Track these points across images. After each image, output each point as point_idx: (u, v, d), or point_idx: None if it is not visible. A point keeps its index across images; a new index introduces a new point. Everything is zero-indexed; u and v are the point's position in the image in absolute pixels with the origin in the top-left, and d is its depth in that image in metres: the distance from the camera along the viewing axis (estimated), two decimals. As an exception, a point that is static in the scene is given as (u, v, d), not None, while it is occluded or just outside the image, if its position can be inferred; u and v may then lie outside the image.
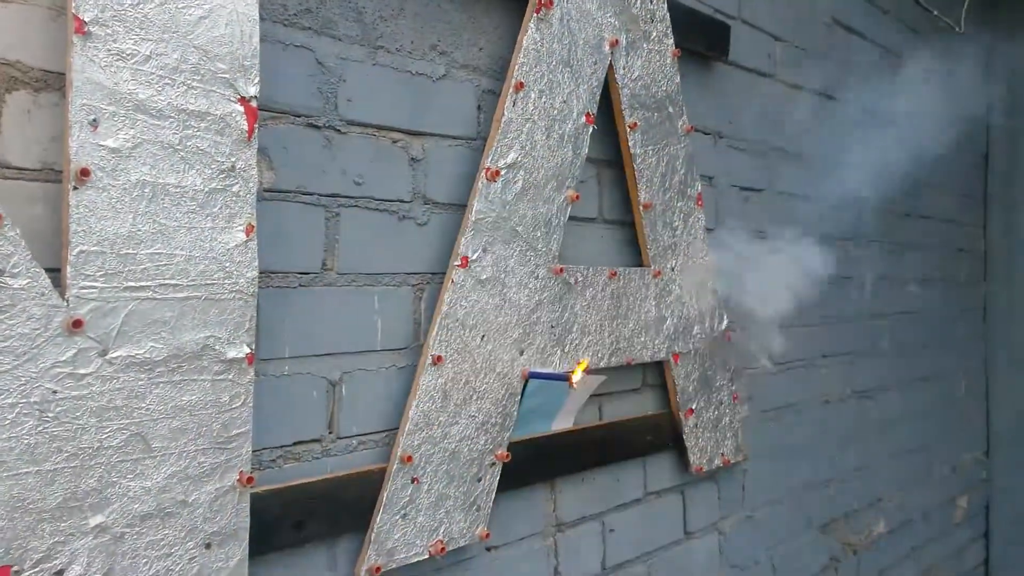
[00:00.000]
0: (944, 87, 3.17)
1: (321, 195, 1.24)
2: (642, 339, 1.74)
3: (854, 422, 2.74)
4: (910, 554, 3.07)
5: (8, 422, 0.89)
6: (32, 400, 0.91)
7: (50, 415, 0.92)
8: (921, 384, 3.17)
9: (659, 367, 1.86)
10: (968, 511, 3.53)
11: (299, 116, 1.21)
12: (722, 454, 2.00)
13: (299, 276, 1.21)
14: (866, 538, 2.78)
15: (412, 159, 1.36)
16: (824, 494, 2.56)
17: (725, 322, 1.97)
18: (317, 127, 1.23)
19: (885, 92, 2.84)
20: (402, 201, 1.35)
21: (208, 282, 1.04)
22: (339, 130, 1.26)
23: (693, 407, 1.90)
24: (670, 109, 1.80)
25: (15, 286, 0.89)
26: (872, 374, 2.84)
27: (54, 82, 0.96)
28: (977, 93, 3.53)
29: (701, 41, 1.95)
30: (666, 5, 1.76)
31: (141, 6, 0.96)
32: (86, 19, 0.92)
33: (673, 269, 1.82)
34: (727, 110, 2.10)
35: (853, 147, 2.63)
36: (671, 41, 1.78)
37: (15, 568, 0.91)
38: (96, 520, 0.96)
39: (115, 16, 0.95)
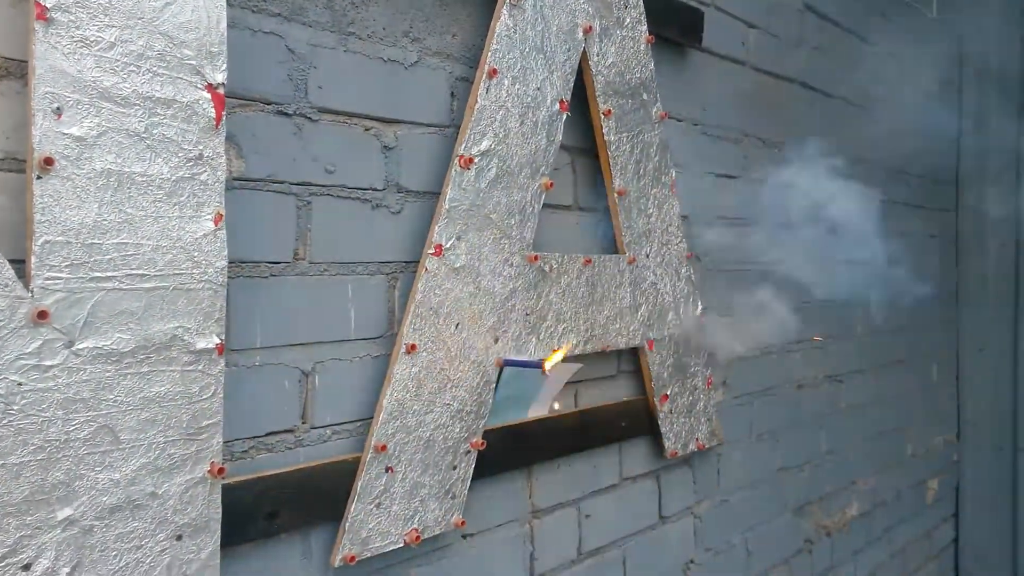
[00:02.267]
0: (916, 71, 3.20)
1: (292, 183, 1.23)
2: (617, 326, 1.74)
3: (827, 406, 2.77)
4: (882, 535, 3.12)
5: (-28, 415, 0.88)
6: (-3, 393, 0.90)
7: (15, 408, 0.91)
8: (893, 369, 3.21)
9: (634, 353, 1.87)
10: (938, 493, 3.59)
11: (269, 103, 1.19)
12: (697, 439, 2.01)
13: (270, 266, 1.20)
14: (839, 521, 2.82)
15: (385, 147, 1.35)
16: (798, 478, 2.59)
17: (700, 309, 1.98)
18: (287, 115, 1.22)
19: (858, 78, 2.86)
20: (375, 189, 1.34)
21: (176, 272, 1.03)
22: (310, 118, 1.25)
23: (668, 393, 1.91)
24: (644, 96, 1.80)
25: (-23, 277, 0.88)
26: (845, 359, 2.87)
27: (16, 70, 0.94)
28: (949, 77, 3.57)
29: (675, 28, 1.95)
30: (640, -9, 1.75)
31: (104, -9, 0.95)
32: (48, 5, 0.90)
33: (648, 256, 1.83)
34: (701, 97, 2.10)
35: (826, 134, 2.64)
36: (645, 28, 1.78)
37: (-18, 562, 0.90)
38: (64, 513, 0.95)
39: (78, 2, 0.93)
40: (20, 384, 0.91)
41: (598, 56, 1.67)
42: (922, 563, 3.46)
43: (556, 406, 1.67)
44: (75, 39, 0.93)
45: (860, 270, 2.92)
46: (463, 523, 1.44)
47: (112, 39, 0.96)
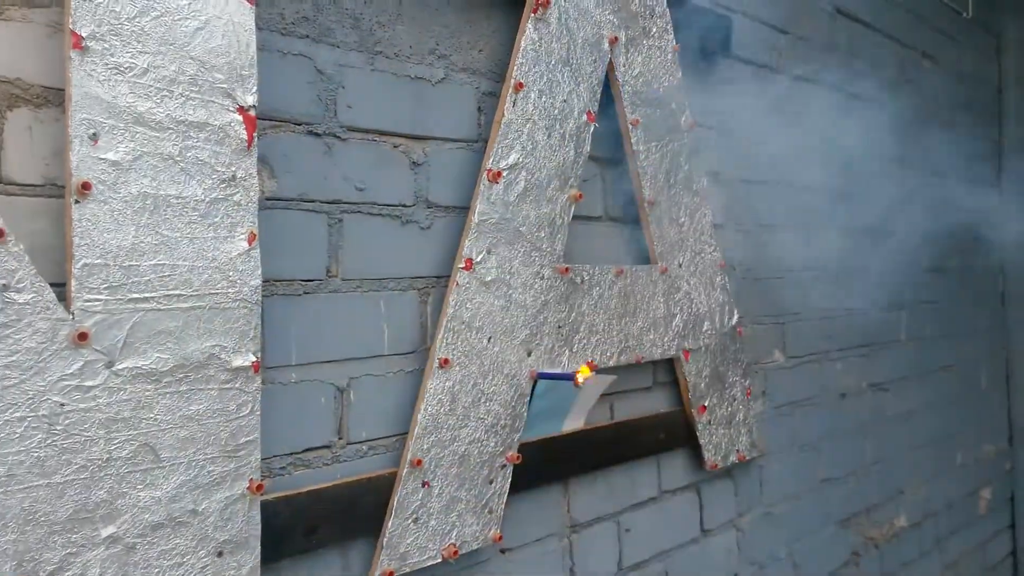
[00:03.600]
0: (953, 73, 3.14)
1: (323, 202, 1.24)
2: (651, 336, 1.73)
3: (872, 415, 2.71)
4: (934, 547, 3.04)
5: (17, 436, 0.90)
6: (40, 413, 0.92)
7: (58, 428, 0.93)
8: (941, 375, 3.14)
9: (670, 364, 1.85)
10: (992, 503, 3.49)
11: (299, 124, 1.21)
12: (737, 450, 1.98)
13: (304, 283, 1.22)
14: (888, 532, 2.75)
15: (413, 163, 1.37)
16: (843, 488, 2.53)
17: (736, 317, 1.96)
18: (317, 134, 1.24)
19: (892, 80, 2.82)
20: (404, 205, 1.35)
21: (212, 291, 1.05)
22: (340, 136, 1.26)
23: (706, 404, 1.89)
24: (672, 105, 1.79)
25: (20, 301, 0.90)
26: (889, 366, 2.81)
27: (54, 98, 0.97)
28: (988, 78, 3.50)
29: (703, 36, 1.94)
30: (665, 1, 1.75)
31: (137, 19, 0.97)
32: (83, 34, 0.93)
33: (680, 265, 1.81)
34: (731, 104, 2.09)
35: (862, 137, 2.61)
36: (671, 37, 1.78)
37: (29, 580, 0.91)
38: (107, 531, 0.97)
39: (112, 30, 0.95)
40: (63, 405, 0.94)
41: (625, 66, 1.67)
42: None
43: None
44: (109, 66, 0.96)
45: (901, 274, 2.87)
46: (501, 538, 1.43)
47: (145, 65, 0.98)
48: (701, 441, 1.88)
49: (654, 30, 1.73)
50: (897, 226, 2.84)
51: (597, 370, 1.57)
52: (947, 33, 3.18)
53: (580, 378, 1.48)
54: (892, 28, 2.82)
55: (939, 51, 3.12)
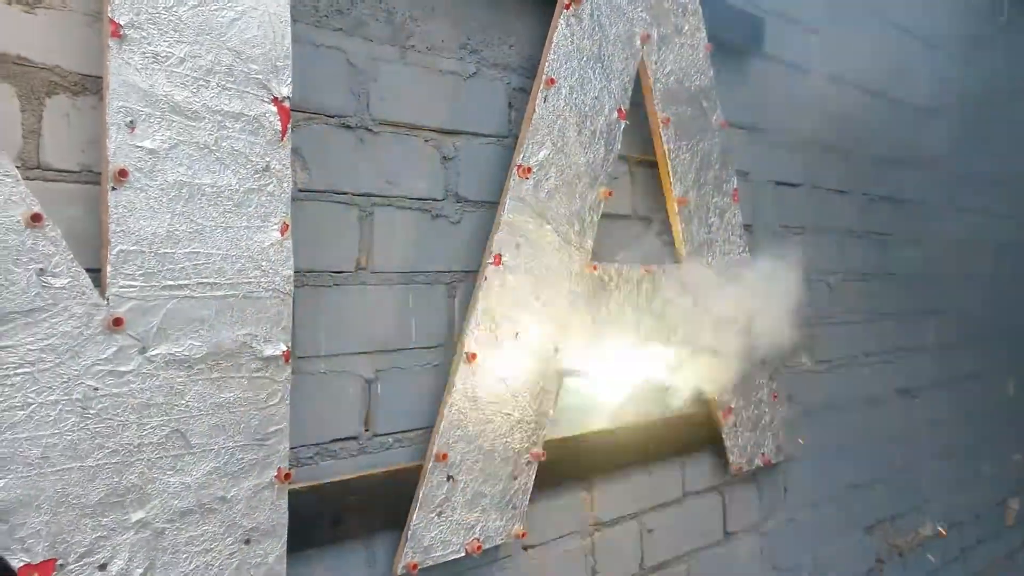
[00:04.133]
0: (989, 77, 3.09)
1: (355, 194, 1.25)
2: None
3: (898, 421, 2.68)
4: (959, 556, 2.99)
5: (51, 419, 0.91)
6: (74, 397, 0.93)
7: (92, 412, 0.94)
8: (968, 383, 3.09)
9: (696, 365, 1.84)
10: (1020, 513, 3.43)
11: (332, 116, 1.22)
12: (762, 454, 1.96)
13: (334, 275, 1.22)
14: (912, 540, 2.71)
15: (444, 157, 1.37)
16: (869, 495, 2.50)
17: (763, 317, 1.94)
18: (350, 127, 1.24)
19: (926, 83, 2.78)
20: (435, 199, 1.35)
21: (245, 280, 1.05)
22: (371, 130, 1.27)
23: (732, 406, 1.87)
24: (704, 103, 1.78)
25: (56, 285, 0.91)
26: (916, 372, 2.78)
27: (91, 86, 0.98)
28: (1022, 81, 3.44)
29: (735, 34, 1.93)
30: (698, -1, 1.74)
31: (175, 9, 0.98)
32: (122, 23, 0.94)
33: (709, 265, 1.80)
34: (763, 104, 2.07)
35: (894, 140, 2.58)
36: (704, 35, 1.76)
37: (60, 561, 0.93)
38: (137, 515, 0.98)
39: (150, 19, 0.96)
40: (96, 389, 0.94)
41: (656, 64, 1.66)
42: (1004, 587, 3.31)
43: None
44: (147, 55, 0.97)
45: (932, 280, 2.83)
46: (524, 534, 1.43)
47: (182, 54, 0.99)
48: (726, 444, 1.87)
49: (686, 28, 1.72)
50: (927, 231, 2.80)
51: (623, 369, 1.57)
52: (984, 36, 3.13)
53: (608, 376, 1.48)
54: (926, 31, 2.78)
55: (975, 54, 3.07)
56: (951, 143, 2.89)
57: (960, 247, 3.02)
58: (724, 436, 1.86)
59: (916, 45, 2.73)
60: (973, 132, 3.04)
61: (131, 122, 0.95)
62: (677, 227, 1.75)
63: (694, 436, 1.83)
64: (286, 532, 1.11)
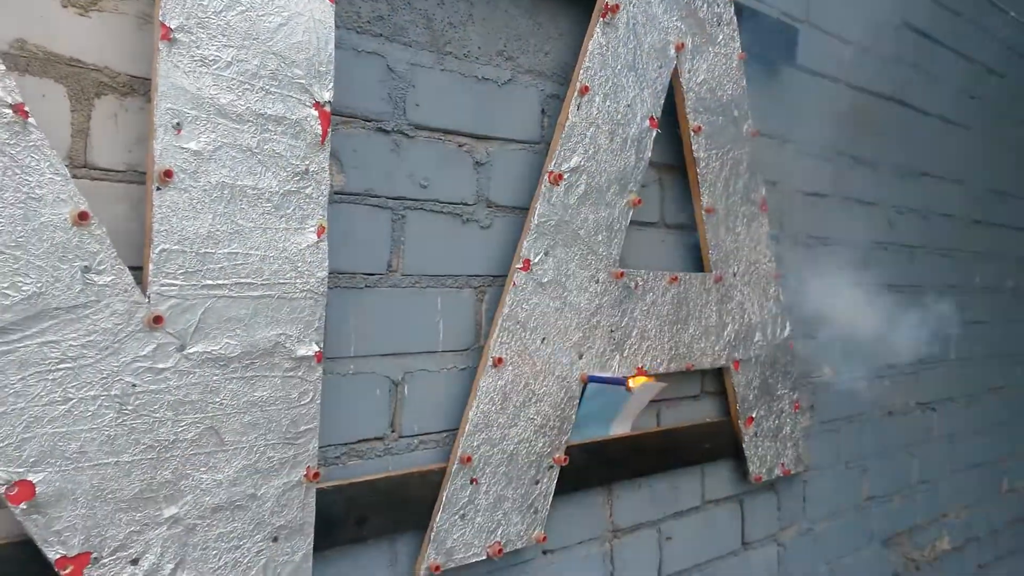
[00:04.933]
0: (1020, 89, 3.06)
1: (388, 198, 1.26)
2: (702, 345, 1.72)
3: (918, 434, 2.66)
4: (976, 573, 2.97)
5: (90, 414, 0.93)
6: (113, 393, 0.95)
7: (129, 408, 0.96)
8: (989, 396, 3.07)
9: (719, 374, 1.84)
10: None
11: (369, 120, 1.23)
12: (782, 464, 1.96)
13: (365, 277, 1.24)
14: (930, 554, 2.70)
15: (476, 163, 1.38)
16: (887, 507, 2.49)
17: (787, 330, 1.94)
18: (386, 131, 1.25)
19: (957, 95, 2.76)
20: (466, 204, 1.36)
21: (281, 281, 1.07)
22: (407, 134, 1.28)
23: (753, 415, 1.87)
24: (735, 113, 1.78)
25: (100, 282, 0.93)
26: (937, 385, 2.76)
27: (140, 87, 1.00)
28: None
29: (768, 44, 1.92)
30: (733, 8, 1.74)
31: (224, 14, 1.00)
32: (172, 26, 0.96)
33: (735, 275, 1.80)
34: (793, 114, 2.06)
35: (923, 153, 2.56)
36: (737, 44, 1.76)
37: (94, 555, 0.94)
38: (170, 511, 1.00)
39: (199, 23, 0.98)
40: (134, 385, 0.96)
41: (689, 73, 1.66)
42: (1020, 604, 3.28)
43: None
44: (195, 58, 0.98)
45: (954, 292, 2.81)
46: (545, 539, 1.44)
47: (229, 58, 1.00)
48: (747, 453, 1.87)
49: (720, 37, 1.72)
50: (953, 244, 2.78)
51: (647, 376, 1.57)
52: (1015, 49, 3.10)
53: (631, 383, 1.48)
54: (959, 43, 2.76)
55: (1006, 67, 3.04)
56: (979, 156, 2.87)
57: (985, 259, 3.00)
58: (744, 445, 1.86)
59: (948, 57, 2.71)
60: (1000, 145, 3.02)
61: (178, 124, 0.97)
62: (704, 236, 1.75)
63: (714, 444, 1.83)
64: (313, 531, 1.12)
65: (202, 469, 1.02)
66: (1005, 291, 3.15)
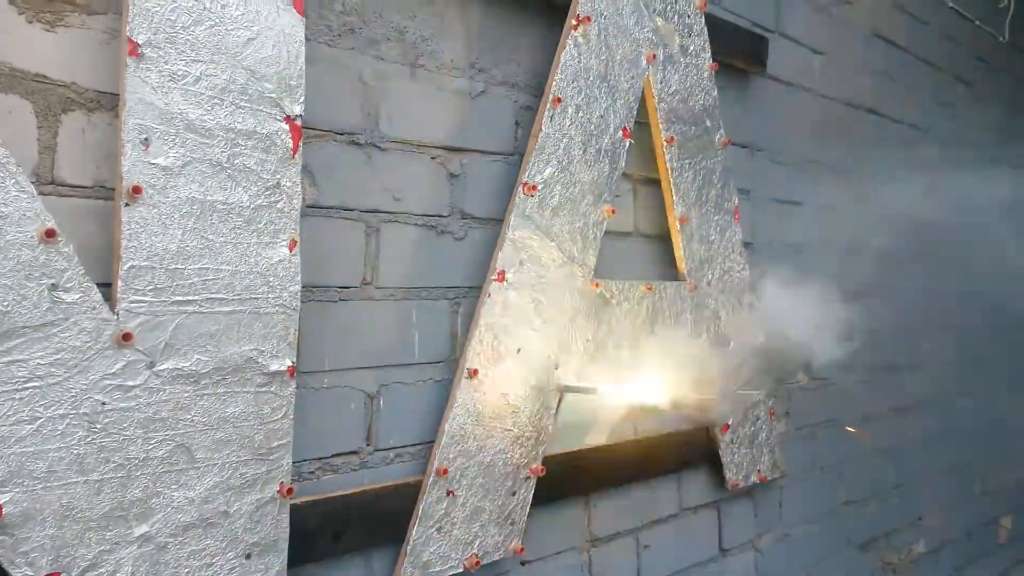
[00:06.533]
0: (988, 97, 3.12)
1: (362, 211, 1.26)
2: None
3: (893, 439, 2.69)
4: (952, 574, 3.01)
5: (59, 433, 0.92)
6: (82, 411, 0.94)
7: (98, 426, 0.95)
8: (962, 401, 3.11)
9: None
10: (1012, 532, 3.45)
11: (342, 133, 1.23)
12: (759, 470, 1.98)
13: (340, 290, 1.23)
14: (906, 558, 2.73)
15: (451, 175, 1.38)
16: (863, 512, 2.52)
17: (762, 336, 1.95)
18: (359, 144, 1.25)
19: (926, 104, 2.80)
20: (440, 216, 1.36)
21: (253, 296, 1.06)
22: (380, 147, 1.28)
23: (729, 423, 1.88)
24: (707, 123, 1.79)
25: (68, 300, 0.92)
26: (911, 390, 2.79)
27: (107, 102, 0.99)
28: (1023, 102, 3.47)
29: (739, 54, 1.95)
30: (704, 19, 1.76)
31: (192, 28, 0.99)
32: (139, 41, 0.95)
33: (709, 283, 1.81)
34: (765, 123, 2.09)
35: (893, 161, 2.59)
36: (708, 55, 1.78)
37: (63, 575, 0.93)
38: (141, 529, 0.99)
39: (167, 38, 0.97)
40: (104, 403, 0.95)
41: (661, 84, 1.67)
42: (994, 605, 3.32)
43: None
44: (164, 73, 0.97)
45: (927, 298, 2.85)
46: (522, 550, 1.43)
47: (198, 73, 1.00)
48: (723, 460, 1.88)
49: (691, 48, 1.74)
50: (925, 251, 2.82)
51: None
52: (983, 58, 3.16)
53: (605, 392, 1.49)
54: (928, 52, 2.81)
55: (975, 76, 3.10)
56: (949, 162, 2.92)
57: (958, 265, 3.04)
58: (721, 452, 1.87)
59: (917, 66, 2.75)
60: (970, 151, 3.07)
61: (146, 139, 0.96)
62: (678, 245, 1.76)
63: (691, 452, 1.84)
64: (287, 547, 1.11)
65: (173, 487, 1.01)
66: (977, 297, 3.20)
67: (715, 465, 1.89)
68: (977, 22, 3.04)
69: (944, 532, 2.96)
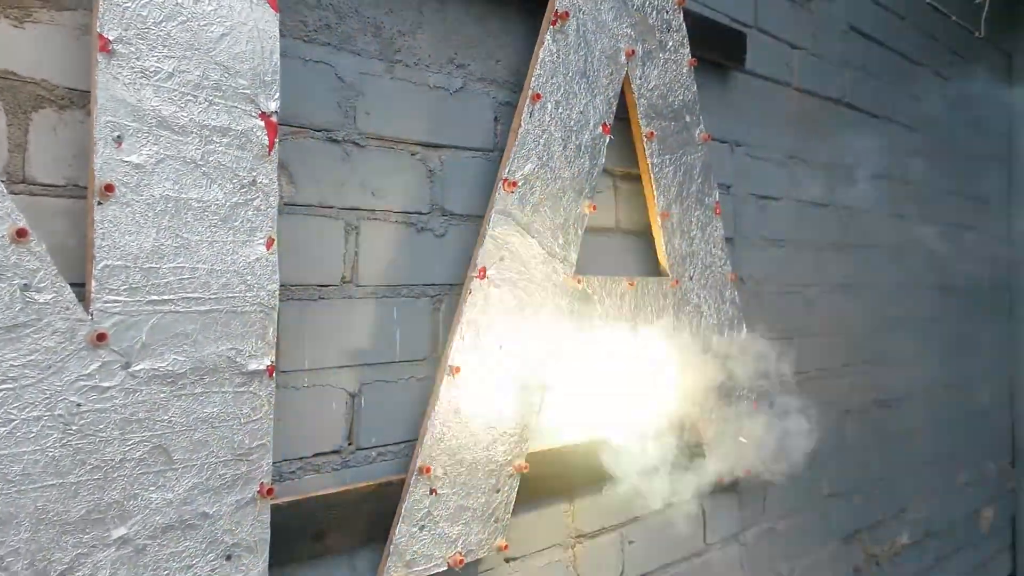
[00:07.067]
0: (964, 92, 3.15)
1: (340, 208, 1.25)
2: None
3: (876, 432, 2.71)
4: (935, 565, 3.03)
5: (33, 435, 0.91)
6: (57, 413, 0.92)
7: (74, 428, 0.94)
8: (944, 393, 3.14)
9: (678, 377, 1.85)
10: (994, 522, 3.48)
11: (319, 130, 1.22)
12: (743, 464, 1.98)
13: (319, 288, 1.22)
14: (889, 549, 2.75)
15: (430, 171, 1.37)
16: (846, 505, 2.53)
17: (744, 331, 1.96)
18: (337, 141, 1.24)
19: (904, 98, 2.82)
20: (420, 213, 1.36)
21: (230, 295, 1.05)
22: (358, 144, 1.27)
23: (713, 417, 1.89)
24: (687, 118, 1.80)
25: (40, 300, 0.91)
26: (893, 383, 2.81)
27: (79, 100, 0.98)
28: (998, 97, 3.50)
29: (718, 50, 1.95)
30: (682, 15, 1.76)
31: (164, 24, 0.98)
32: (111, 37, 0.94)
33: (691, 278, 1.81)
34: (744, 119, 2.09)
35: (872, 155, 2.61)
36: (687, 51, 1.78)
37: (40, 579, 0.92)
38: (118, 532, 0.97)
39: (139, 34, 0.96)
40: (79, 405, 0.94)
41: (641, 79, 1.67)
42: (977, 594, 3.35)
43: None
44: (135, 70, 0.96)
45: (907, 292, 2.87)
46: (506, 547, 1.43)
47: (171, 69, 0.99)
48: (707, 454, 1.88)
49: (670, 43, 1.74)
50: (904, 244, 2.84)
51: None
52: (959, 53, 3.19)
53: (591, 389, 1.49)
54: (905, 47, 2.83)
55: (951, 70, 3.12)
56: (927, 157, 2.94)
57: (935, 257, 3.06)
58: (705, 447, 1.88)
59: (894, 60, 2.77)
60: (946, 146, 3.09)
61: (118, 137, 0.95)
62: (660, 240, 1.76)
63: (676, 447, 1.84)
64: (268, 548, 1.10)
65: (151, 488, 1.00)
66: (958, 289, 3.23)
67: (700, 460, 1.89)
68: (953, 17, 3.06)
69: (927, 524, 2.98)
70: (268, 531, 1.10)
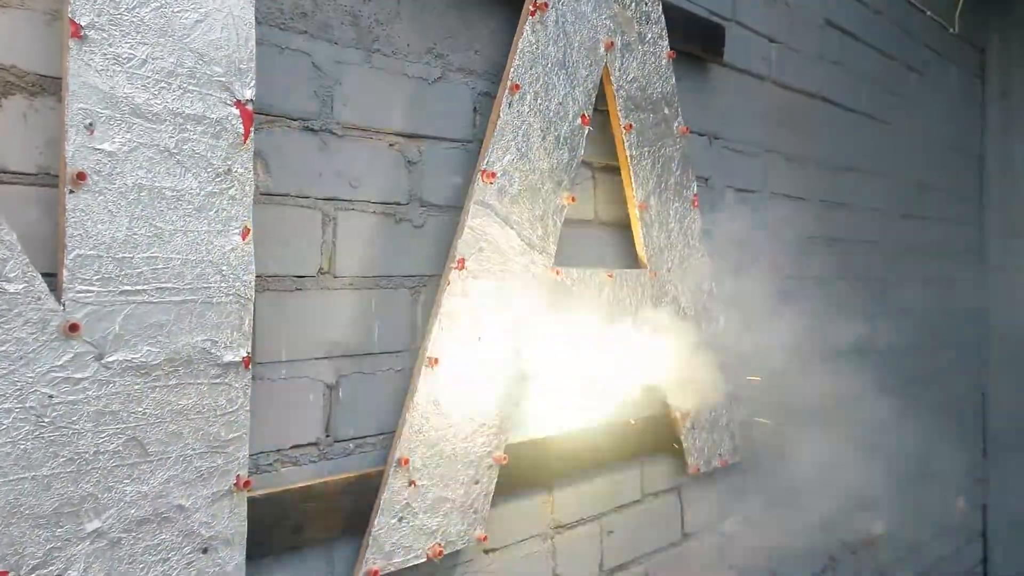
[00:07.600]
0: (938, 87, 3.18)
1: (318, 198, 1.24)
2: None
3: (850, 422, 2.73)
4: (908, 554, 3.07)
5: (4, 427, 0.89)
6: (28, 405, 0.91)
7: (46, 420, 0.92)
8: (918, 385, 3.18)
9: (656, 368, 1.86)
10: (965, 510, 3.54)
11: (295, 119, 1.21)
12: (720, 455, 2.00)
13: (296, 279, 1.21)
14: (865, 539, 2.78)
15: (408, 161, 1.36)
16: (822, 494, 2.55)
17: (722, 323, 1.97)
18: (313, 130, 1.23)
19: (879, 93, 2.85)
20: (399, 203, 1.35)
21: (205, 285, 1.04)
22: (335, 133, 1.26)
23: (690, 408, 1.90)
24: (665, 111, 1.80)
25: (11, 291, 0.89)
26: (866, 375, 2.84)
27: (50, 86, 0.96)
28: (971, 92, 3.55)
29: (696, 43, 1.96)
30: (661, 7, 1.76)
31: (137, 10, 0.96)
32: (82, 23, 0.92)
33: (669, 270, 1.82)
34: (722, 111, 2.10)
35: (848, 148, 2.63)
36: (666, 43, 1.78)
37: (12, 574, 0.90)
38: (93, 525, 0.96)
39: (111, 20, 0.95)
40: (51, 397, 0.92)
41: (620, 71, 1.67)
42: (950, 582, 3.40)
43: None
44: (108, 56, 0.95)
45: (881, 286, 2.90)
46: (485, 538, 1.43)
47: (144, 56, 0.97)
48: (685, 445, 1.89)
49: (649, 36, 1.74)
50: (879, 236, 2.87)
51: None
52: (933, 48, 3.22)
53: (570, 380, 1.49)
54: (880, 42, 2.85)
55: (925, 65, 3.16)
56: (902, 151, 2.97)
57: (911, 251, 3.10)
58: (682, 438, 1.89)
59: (870, 55, 2.80)
60: (921, 140, 3.13)
61: (90, 124, 0.93)
62: (638, 232, 1.77)
63: (653, 438, 1.85)
64: (245, 540, 1.10)
65: (125, 481, 0.99)
66: (932, 283, 3.27)
67: (677, 451, 1.91)
68: (928, 13, 3.09)
69: (901, 513, 3.02)
70: (245, 524, 1.09)
